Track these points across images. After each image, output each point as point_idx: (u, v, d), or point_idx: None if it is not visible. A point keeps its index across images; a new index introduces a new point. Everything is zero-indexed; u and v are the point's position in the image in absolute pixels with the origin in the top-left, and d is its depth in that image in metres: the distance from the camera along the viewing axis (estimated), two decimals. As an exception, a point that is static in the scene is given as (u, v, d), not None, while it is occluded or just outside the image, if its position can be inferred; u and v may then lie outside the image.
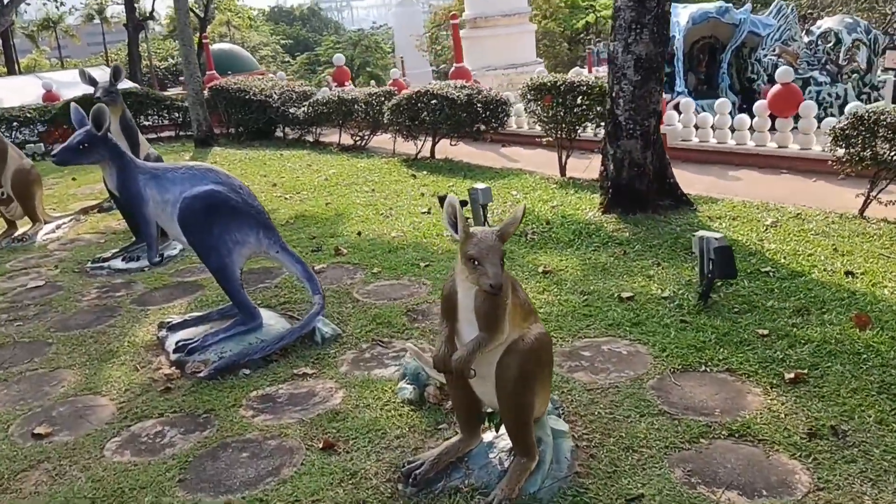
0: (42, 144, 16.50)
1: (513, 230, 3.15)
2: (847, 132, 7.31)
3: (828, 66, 13.73)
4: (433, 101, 11.48)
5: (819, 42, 14.95)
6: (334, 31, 72.34)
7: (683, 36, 20.30)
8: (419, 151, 11.94)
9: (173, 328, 5.41)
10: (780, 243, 6.28)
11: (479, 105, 11.36)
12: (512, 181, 9.64)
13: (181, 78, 27.57)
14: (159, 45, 54.88)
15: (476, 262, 3.00)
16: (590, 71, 23.08)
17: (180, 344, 5.05)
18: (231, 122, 16.24)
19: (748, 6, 23.26)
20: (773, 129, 10.25)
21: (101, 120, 4.97)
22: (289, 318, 5.61)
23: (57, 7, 36.24)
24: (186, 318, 5.51)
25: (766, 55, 18.06)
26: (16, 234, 9.03)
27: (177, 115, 17.41)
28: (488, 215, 7.19)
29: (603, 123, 9.25)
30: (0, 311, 6.47)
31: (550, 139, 10.52)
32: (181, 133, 17.46)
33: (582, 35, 38.94)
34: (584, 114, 9.55)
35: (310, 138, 14.81)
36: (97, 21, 53.56)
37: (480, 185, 7.15)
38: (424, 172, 10.74)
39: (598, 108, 9.12)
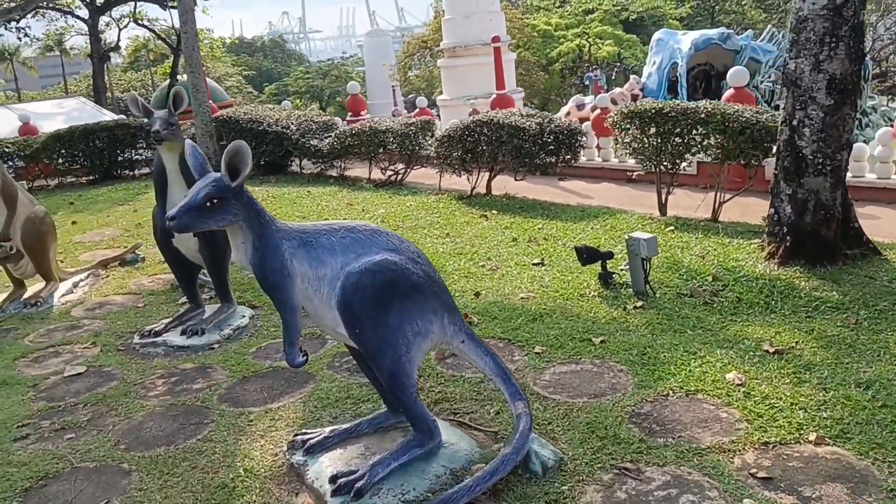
0: (24, 183, 14.69)
1: None
2: None
3: None
4: (496, 132, 10.10)
5: None
6: (299, 63, 70.93)
7: (686, 62, 19.43)
8: (475, 187, 10.52)
9: (312, 450, 3.88)
10: None
11: (549, 136, 10.00)
12: (609, 221, 8.25)
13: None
14: (119, 77, 53.05)
15: None
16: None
17: (341, 482, 3.51)
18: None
19: (749, 32, 22.57)
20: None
21: (239, 164, 3.39)
22: (458, 425, 4.13)
23: (19, 38, 33.88)
24: (326, 433, 3.98)
25: (762, 82, 17.28)
26: (26, 297, 7.30)
27: (174, 148, 15.69)
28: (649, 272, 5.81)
29: (723, 154, 7.99)
30: (39, 414, 4.83)
31: (642, 173, 9.22)
32: (179, 168, 15.74)
33: (560, 63, 38.02)
34: (691, 144, 8.23)
35: (333, 173, 13.25)
36: (53, 53, 51.24)
37: (642, 235, 5.76)
38: (494, 212, 9.31)
39: (717, 137, 7.81)
